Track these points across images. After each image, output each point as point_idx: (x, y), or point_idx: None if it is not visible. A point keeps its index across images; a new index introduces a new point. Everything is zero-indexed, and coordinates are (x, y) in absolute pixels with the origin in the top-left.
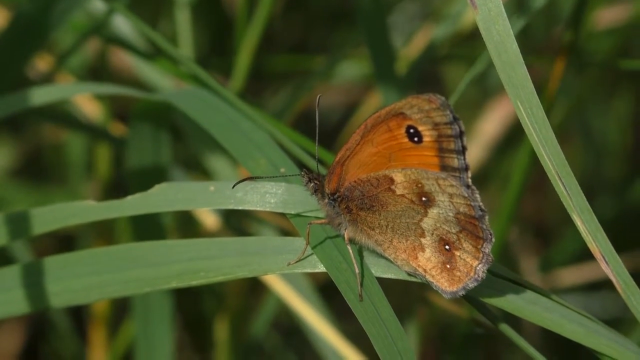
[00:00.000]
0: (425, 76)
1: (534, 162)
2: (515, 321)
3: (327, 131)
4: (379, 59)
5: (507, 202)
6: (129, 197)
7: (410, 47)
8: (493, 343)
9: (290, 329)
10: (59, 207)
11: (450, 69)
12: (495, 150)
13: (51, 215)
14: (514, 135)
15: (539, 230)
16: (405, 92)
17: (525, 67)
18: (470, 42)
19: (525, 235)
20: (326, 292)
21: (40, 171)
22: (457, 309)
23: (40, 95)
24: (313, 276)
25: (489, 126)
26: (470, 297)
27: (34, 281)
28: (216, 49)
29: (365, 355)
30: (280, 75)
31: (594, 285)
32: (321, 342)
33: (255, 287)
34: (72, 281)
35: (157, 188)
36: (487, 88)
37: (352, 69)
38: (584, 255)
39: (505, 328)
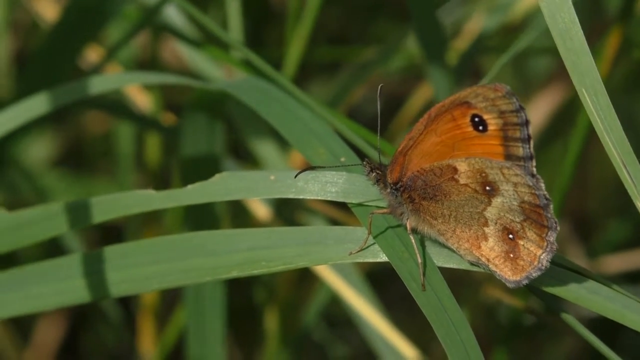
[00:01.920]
0: (473, 67)
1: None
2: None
3: (374, 121)
4: (430, 51)
5: (556, 192)
6: (190, 186)
7: (459, 38)
8: (538, 333)
9: (339, 318)
10: (120, 196)
11: (496, 61)
12: (537, 140)
13: (112, 204)
14: (554, 124)
15: (582, 223)
16: (457, 84)
17: (590, 55)
18: (517, 33)
19: (568, 227)
20: (372, 280)
21: (83, 161)
22: (508, 297)
23: (94, 85)
24: (360, 265)
25: (534, 117)
26: (531, 286)
27: (93, 270)
28: (257, 42)
29: (415, 344)
30: (321, 66)
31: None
32: (371, 331)
33: (304, 277)
34: (132, 270)
35: (218, 177)
36: (528, 79)
37: (397, 60)
38: (628, 247)
39: (567, 317)
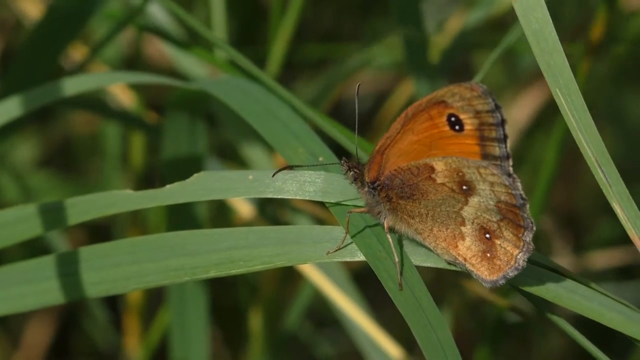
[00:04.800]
0: (457, 64)
1: (565, 149)
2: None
3: (362, 117)
4: (411, 47)
5: (538, 188)
6: (168, 187)
7: (442, 35)
8: (525, 331)
9: (324, 317)
10: (97, 196)
11: (482, 57)
12: (525, 136)
13: (89, 205)
14: (542, 120)
15: (570, 220)
16: (438, 80)
17: (564, 55)
18: (503, 28)
19: (556, 223)
20: (359, 280)
21: (70, 162)
22: (492, 296)
23: (76, 85)
24: (346, 264)
25: (521, 114)
26: (510, 285)
27: (71, 271)
28: (245, 39)
29: (400, 343)
30: (310, 64)
31: (625, 271)
32: (356, 330)
33: (289, 276)
34: (111, 270)
35: (196, 177)
36: (517, 76)
37: (382, 57)
38: (617, 243)
39: (552, 316)
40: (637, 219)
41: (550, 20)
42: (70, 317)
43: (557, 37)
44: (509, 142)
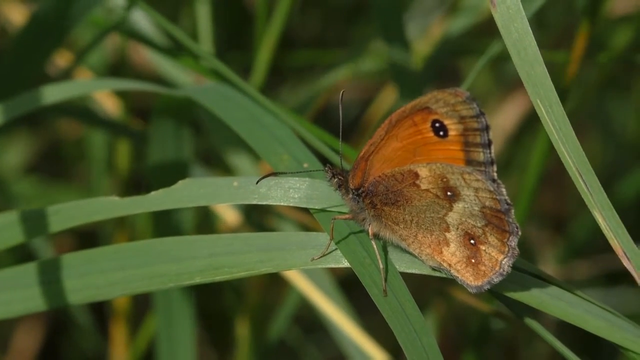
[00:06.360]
0: (442, 70)
1: (551, 153)
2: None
3: (349, 123)
4: (395, 54)
5: (524, 194)
6: (153, 193)
7: (427, 41)
8: (510, 338)
9: (311, 323)
10: (82, 203)
11: (467, 63)
12: (511, 142)
13: (75, 211)
14: (528, 125)
15: (556, 223)
16: (422, 87)
17: (544, 65)
18: (487, 35)
19: (542, 227)
20: (345, 286)
21: (57, 167)
22: (477, 302)
23: (60, 92)
24: (333, 270)
25: (507, 119)
26: (494, 292)
27: (56, 277)
28: (233, 44)
29: (386, 349)
30: (296, 70)
31: (610, 277)
32: (342, 336)
33: (275, 283)
34: (95, 277)
35: (181, 184)
36: (503, 81)
37: (367, 64)
38: (602, 247)
39: (531, 322)
40: (619, 227)
41: (530, 31)
42: (59, 324)
43: (537, 47)
44: (493, 148)
